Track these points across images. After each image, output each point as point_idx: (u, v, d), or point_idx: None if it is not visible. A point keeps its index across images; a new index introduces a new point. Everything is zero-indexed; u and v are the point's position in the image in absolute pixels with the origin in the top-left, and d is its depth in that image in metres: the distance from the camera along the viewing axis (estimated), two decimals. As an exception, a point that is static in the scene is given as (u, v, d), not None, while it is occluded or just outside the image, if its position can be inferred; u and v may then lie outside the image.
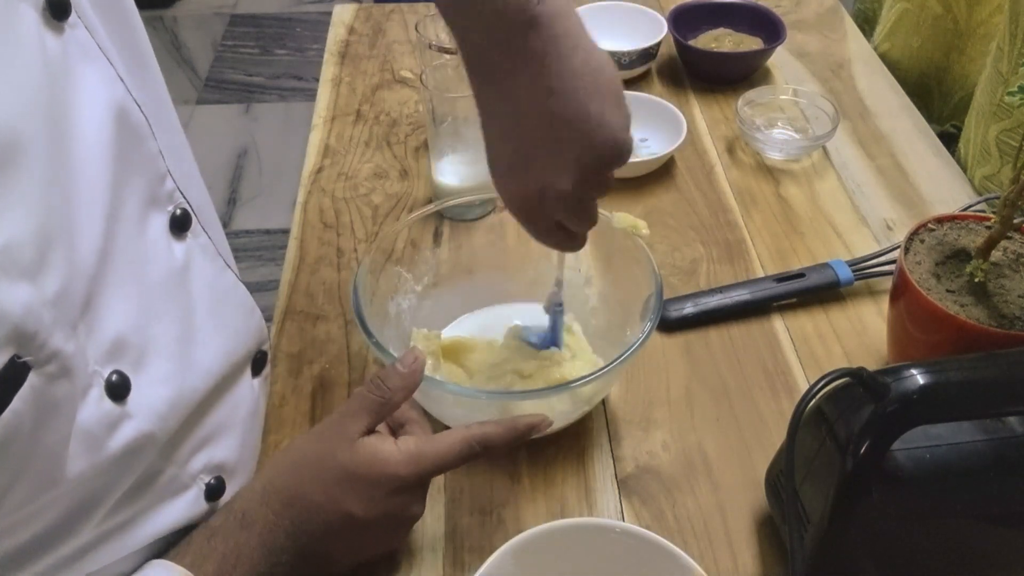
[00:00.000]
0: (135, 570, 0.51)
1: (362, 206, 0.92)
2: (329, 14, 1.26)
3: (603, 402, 0.72)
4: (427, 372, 0.67)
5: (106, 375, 0.45)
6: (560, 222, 0.58)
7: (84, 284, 0.43)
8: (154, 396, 0.49)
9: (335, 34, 1.21)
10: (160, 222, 0.52)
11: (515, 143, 0.54)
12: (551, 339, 0.70)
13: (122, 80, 0.48)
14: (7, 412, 0.37)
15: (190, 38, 2.88)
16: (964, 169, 0.97)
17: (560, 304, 0.69)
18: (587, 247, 0.68)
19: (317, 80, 1.12)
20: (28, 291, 0.38)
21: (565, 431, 0.69)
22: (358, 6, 1.26)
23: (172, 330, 0.51)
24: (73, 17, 0.45)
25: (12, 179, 0.38)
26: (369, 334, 0.62)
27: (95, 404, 0.44)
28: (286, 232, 0.90)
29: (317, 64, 1.16)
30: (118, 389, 0.46)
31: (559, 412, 0.65)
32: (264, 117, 2.55)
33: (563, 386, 0.62)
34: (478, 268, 0.78)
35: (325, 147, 1.00)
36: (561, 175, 0.54)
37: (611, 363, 0.61)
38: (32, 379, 0.38)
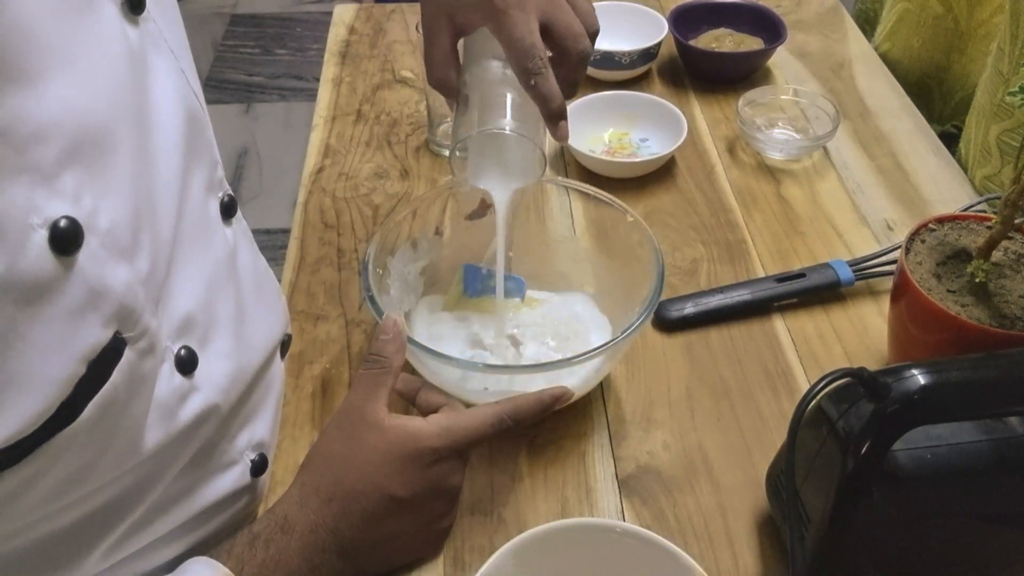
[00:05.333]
0: (176, 567, 0.52)
1: (363, 206, 0.92)
2: (329, 14, 1.26)
3: (604, 402, 0.72)
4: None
5: (176, 350, 0.48)
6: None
7: (164, 264, 0.46)
8: (217, 370, 0.51)
9: (335, 34, 1.21)
10: (215, 207, 0.55)
11: None
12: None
13: (184, 72, 0.51)
14: (107, 385, 0.39)
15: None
16: (965, 169, 0.97)
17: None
18: (590, 247, 0.68)
19: (317, 80, 1.12)
20: (127, 270, 0.40)
21: (566, 431, 0.69)
22: (358, 6, 1.26)
23: (229, 308, 0.54)
24: (146, 12, 0.47)
25: (110, 166, 0.40)
26: (368, 288, 0.64)
27: (167, 378, 0.47)
28: (286, 232, 0.90)
29: (317, 64, 1.16)
30: (187, 363, 0.48)
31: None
32: (264, 117, 2.55)
33: (563, 361, 0.61)
34: (479, 260, 0.78)
35: (326, 147, 1.00)
36: None
37: (611, 341, 0.62)
38: (127, 354, 0.40)
